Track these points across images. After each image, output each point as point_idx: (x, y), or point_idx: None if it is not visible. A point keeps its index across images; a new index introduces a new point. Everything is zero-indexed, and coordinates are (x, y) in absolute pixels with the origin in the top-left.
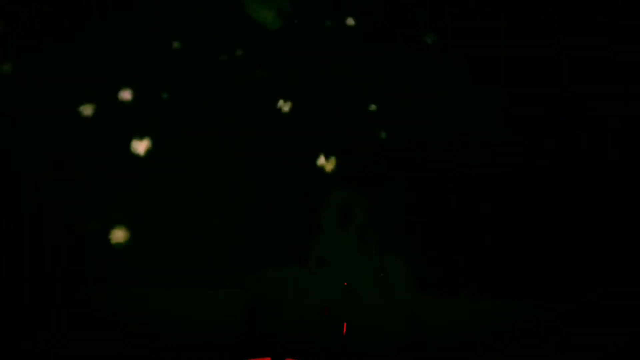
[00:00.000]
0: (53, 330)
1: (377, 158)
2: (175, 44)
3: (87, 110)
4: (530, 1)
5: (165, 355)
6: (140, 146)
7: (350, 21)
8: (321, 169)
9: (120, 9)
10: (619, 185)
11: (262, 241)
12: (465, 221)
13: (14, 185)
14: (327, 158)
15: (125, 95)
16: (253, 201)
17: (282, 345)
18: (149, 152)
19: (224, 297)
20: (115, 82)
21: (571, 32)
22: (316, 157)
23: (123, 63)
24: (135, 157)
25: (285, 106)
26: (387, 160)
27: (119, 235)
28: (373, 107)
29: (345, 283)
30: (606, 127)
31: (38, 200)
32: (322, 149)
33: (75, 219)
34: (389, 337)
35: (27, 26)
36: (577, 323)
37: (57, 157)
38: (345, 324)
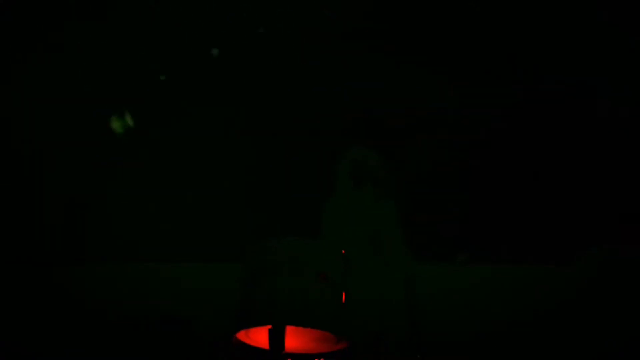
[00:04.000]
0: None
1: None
2: None
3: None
4: None
5: (163, 328)
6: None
7: None
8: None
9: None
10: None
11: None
12: (461, 187)
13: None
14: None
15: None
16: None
17: (281, 314)
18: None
19: (223, 270)
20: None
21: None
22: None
23: None
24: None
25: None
26: (378, 129)
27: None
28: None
29: (344, 251)
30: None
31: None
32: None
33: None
34: (384, 304)
35: None
36: (574, 284)
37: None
38: (344, 293)
